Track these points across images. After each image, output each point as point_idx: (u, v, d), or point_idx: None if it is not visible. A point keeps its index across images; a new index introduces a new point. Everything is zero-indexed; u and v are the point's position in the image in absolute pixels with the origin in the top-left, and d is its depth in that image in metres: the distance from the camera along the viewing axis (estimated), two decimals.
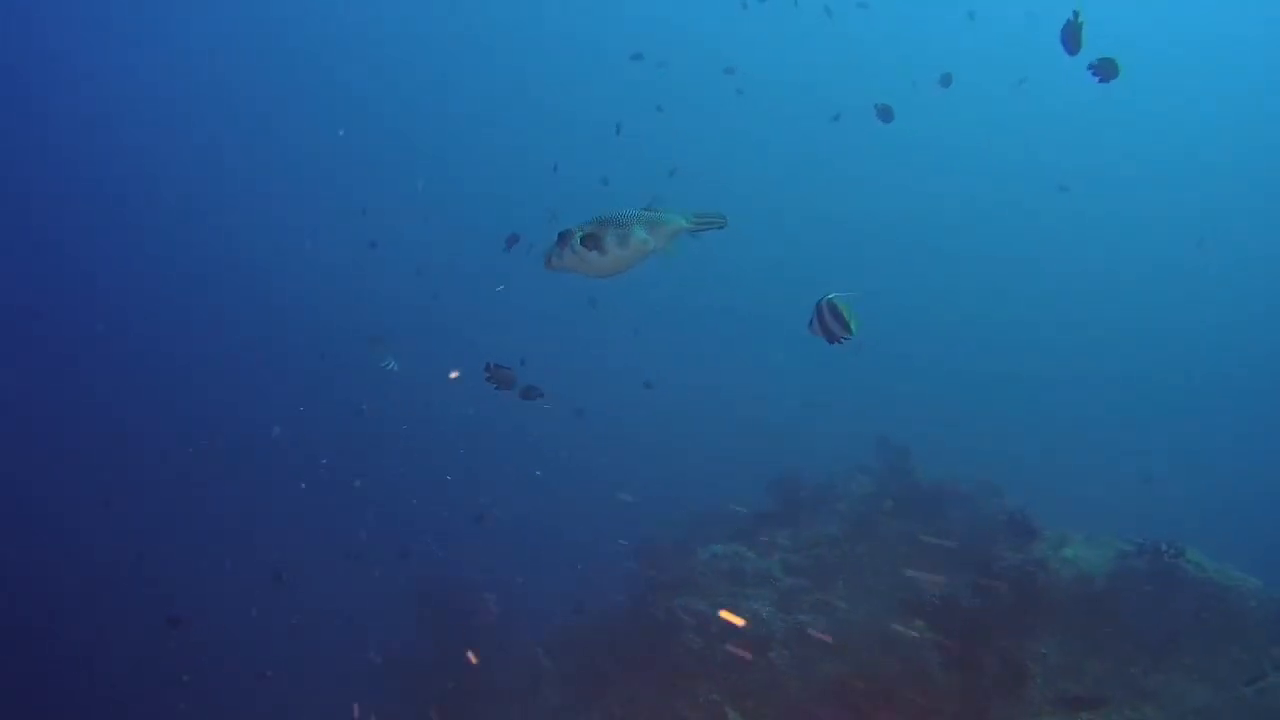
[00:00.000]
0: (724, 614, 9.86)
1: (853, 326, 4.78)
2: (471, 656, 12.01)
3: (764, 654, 9.89)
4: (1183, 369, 30.05)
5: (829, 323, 4.80)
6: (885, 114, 11.24)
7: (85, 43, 37.88)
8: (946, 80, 14.56)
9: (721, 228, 3.65)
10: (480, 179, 40.38)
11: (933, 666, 8.57)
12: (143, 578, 14.34)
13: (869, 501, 12.90)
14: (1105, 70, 7.39)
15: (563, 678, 10.89)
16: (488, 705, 11.41)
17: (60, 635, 12.58)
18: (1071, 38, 6.90)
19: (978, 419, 23.42)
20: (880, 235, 38.04)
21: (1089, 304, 34.45)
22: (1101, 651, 8.59)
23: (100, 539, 15.81)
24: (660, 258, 3.66)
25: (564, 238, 3.62)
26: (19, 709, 12.20)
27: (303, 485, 15.57)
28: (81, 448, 19.99)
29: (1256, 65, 39.60)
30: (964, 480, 13.93)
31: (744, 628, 9.79)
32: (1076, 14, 6.77)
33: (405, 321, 24.85)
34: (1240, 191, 38.52)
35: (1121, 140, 38.37)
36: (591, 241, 3.55)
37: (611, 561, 12.85)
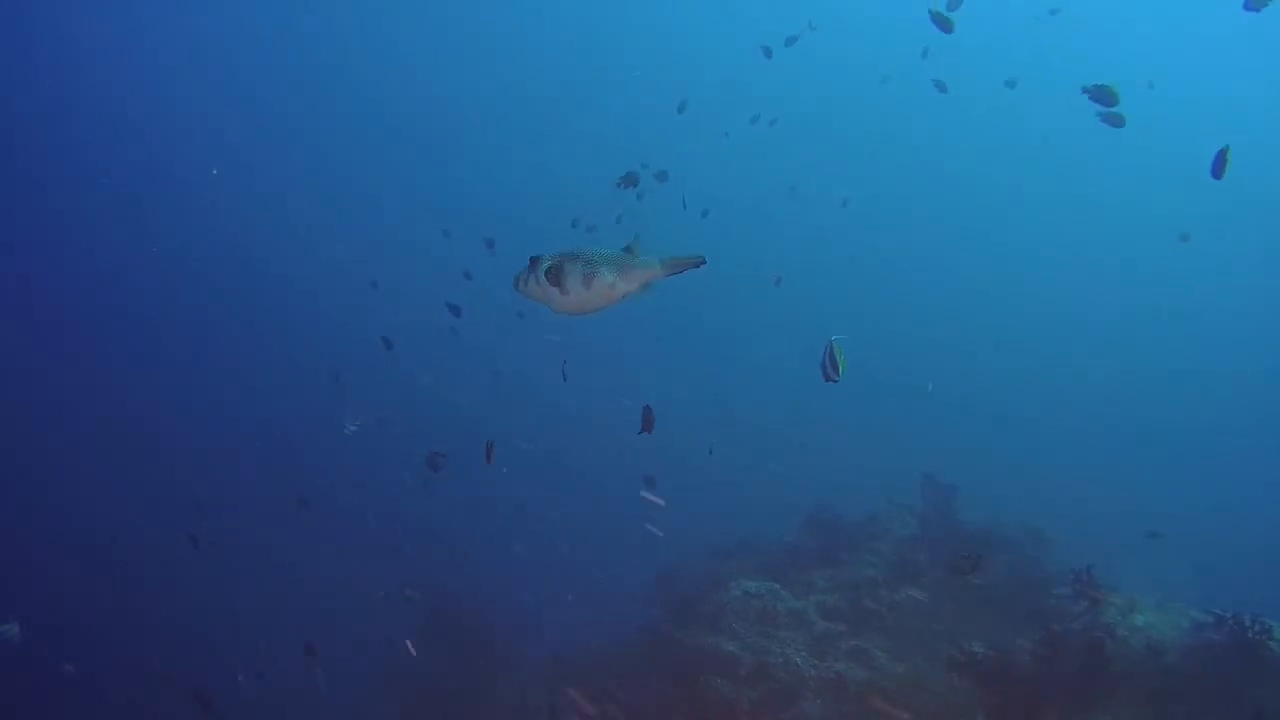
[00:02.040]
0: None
1: (841, 368, 5.15)
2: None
3: (796, 703, 9.19)
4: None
5: (825, 364, 5.19)
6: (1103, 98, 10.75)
7: (106, 38, 38.02)
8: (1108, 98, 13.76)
9: (699, 267, 3.44)
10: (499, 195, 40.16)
11: None
12: (153, 582, 13.96)
13: (912, 543, 12.16)
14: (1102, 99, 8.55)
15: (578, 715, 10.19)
16: None
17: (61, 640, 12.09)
18: (1220, 166, 7.51)
19: (1017, 460, 22.50)
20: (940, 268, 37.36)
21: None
22: None
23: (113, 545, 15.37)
24: (634, 299, 3.48)
25: (533, 264, 3.43)
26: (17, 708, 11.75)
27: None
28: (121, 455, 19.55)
29: None
30: (1008, 524, 13.26)
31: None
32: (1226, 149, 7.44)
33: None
34: None
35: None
36: (554, 277, 3.37)
37: (636, 588, 12.16)
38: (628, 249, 3.44)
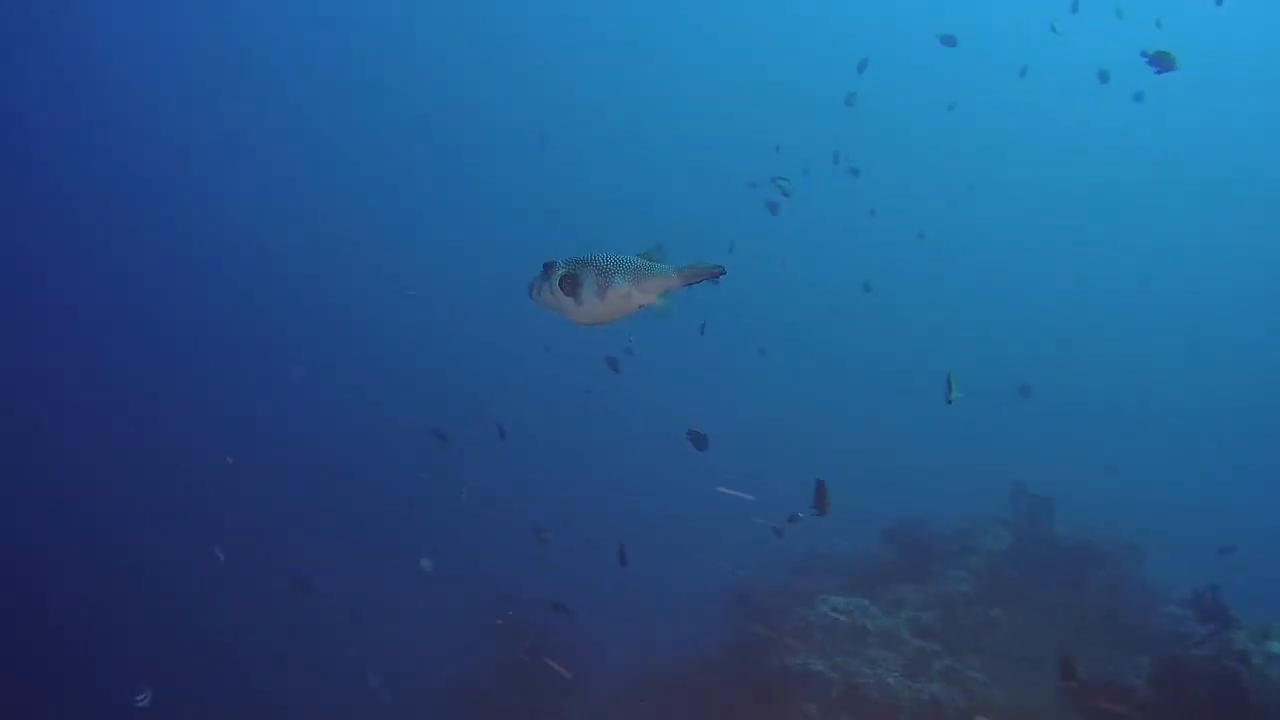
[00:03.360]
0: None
1: (955, 391, 7.07)
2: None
3: None
4: None
5: (946, 390, 7.07)
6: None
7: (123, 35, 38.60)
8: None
9: (718, 277, 3.29)
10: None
11: None
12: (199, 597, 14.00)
13: (1007, 558, 11.53)
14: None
15: None
16: None
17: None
18: None
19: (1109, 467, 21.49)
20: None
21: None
22: None
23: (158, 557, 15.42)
24: (654, 312, 3.33)
25: (547, 271, 3.29)
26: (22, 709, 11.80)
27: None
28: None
29: None
30: (1105, 537, 12.58)
31: None
32: None
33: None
34: None
35: None
36: (569, 285, 3.24)
37: (712, 603, 11.72)
38: (645, 256, 3.30)
